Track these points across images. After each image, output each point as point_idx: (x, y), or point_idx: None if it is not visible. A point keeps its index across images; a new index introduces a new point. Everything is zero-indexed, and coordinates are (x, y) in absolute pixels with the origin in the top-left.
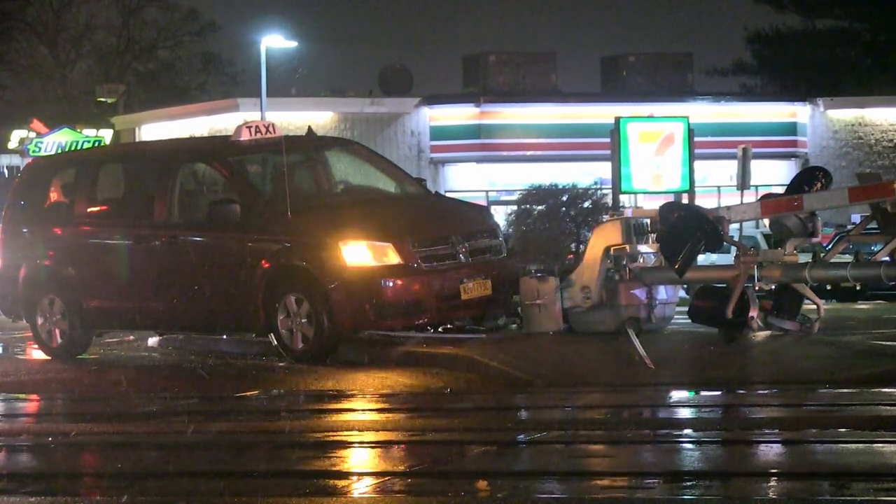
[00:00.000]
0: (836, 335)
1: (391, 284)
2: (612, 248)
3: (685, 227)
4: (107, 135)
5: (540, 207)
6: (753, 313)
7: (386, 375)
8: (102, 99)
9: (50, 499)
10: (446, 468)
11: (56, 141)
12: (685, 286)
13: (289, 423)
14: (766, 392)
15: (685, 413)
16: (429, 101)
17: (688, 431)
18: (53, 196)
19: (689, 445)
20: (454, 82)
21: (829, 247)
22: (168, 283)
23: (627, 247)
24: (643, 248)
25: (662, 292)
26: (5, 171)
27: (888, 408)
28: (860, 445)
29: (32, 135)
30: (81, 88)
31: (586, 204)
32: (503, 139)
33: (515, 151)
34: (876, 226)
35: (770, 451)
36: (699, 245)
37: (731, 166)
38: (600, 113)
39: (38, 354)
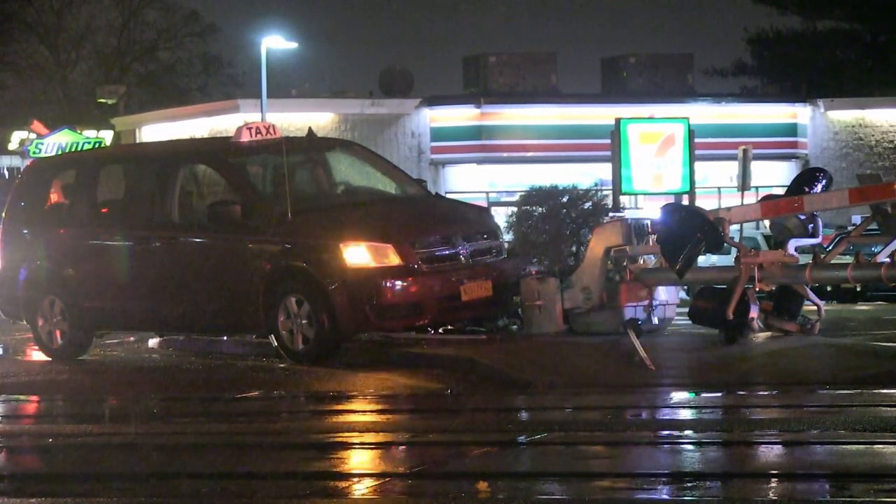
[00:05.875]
0: (836, 336)
1: (392, 285)
2: (612, 250)
3: (685, 229)
4: (107, 136)
5: (540, 209)
6: (754, 314)
7: (386, 377)
8: (103, 100)
9: (50, 500)
10: (447, 469)
11: (56, 142)
12: (686, 287)
13: (289, 425)
14: (766, 393)
15: (686, 414)
16: (429, 102)
17: (688, 433)
18: (54, 197)
19: (690, 447)
20: (454, 83)
21: (830, 248)
22: (168, 285)
23: (628, 248)
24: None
25: (662, 293)
26: (6, 173)
27: (888, 409)
28: (860, 447)
29: (33, 136)
30: (82, 89)
31: (587, 205)
32: (503, 140)
33: (516, 153)
34: (876, 227)
35: (770, 452)
36: (700, 246)
37: (732, 167)
38: (601, 114)
39: (38, 356)
